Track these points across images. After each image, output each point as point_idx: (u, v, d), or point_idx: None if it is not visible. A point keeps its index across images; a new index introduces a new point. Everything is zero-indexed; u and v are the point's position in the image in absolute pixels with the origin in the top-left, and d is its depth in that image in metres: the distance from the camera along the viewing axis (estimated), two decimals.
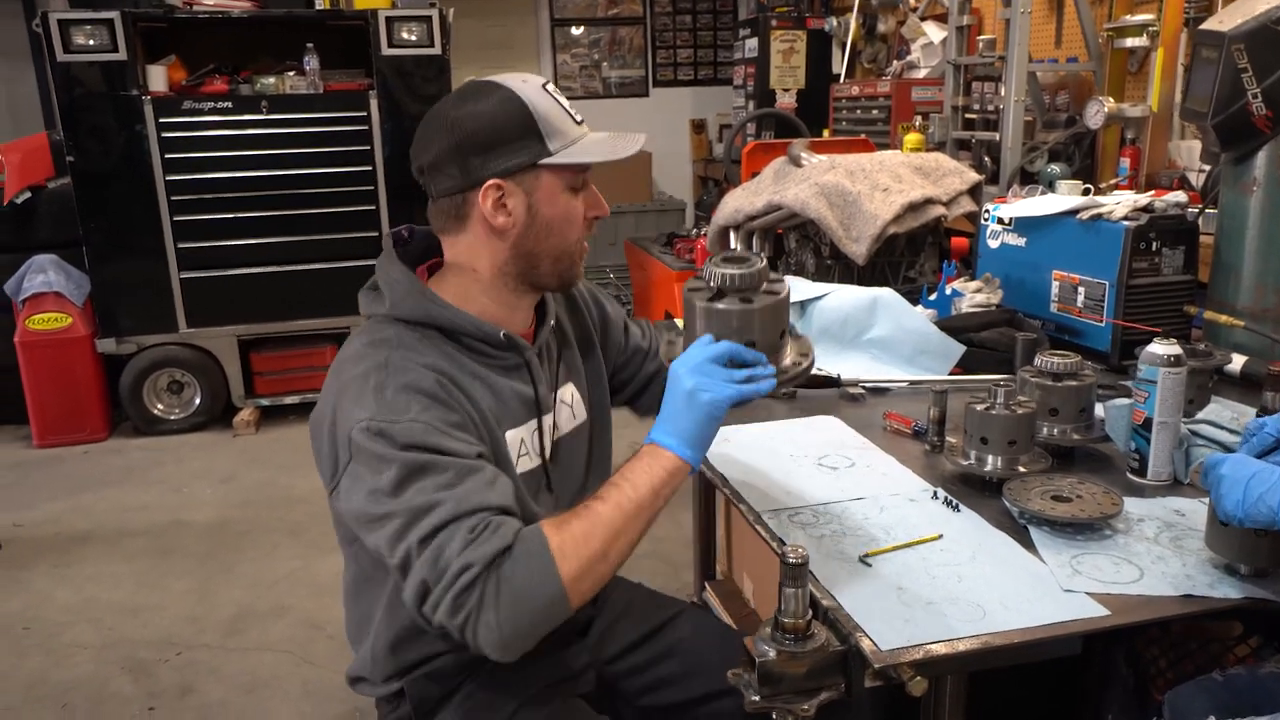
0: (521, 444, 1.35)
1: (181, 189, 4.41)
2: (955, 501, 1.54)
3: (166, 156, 4.36)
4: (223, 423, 4.69)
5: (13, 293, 4.35)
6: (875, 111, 4.85)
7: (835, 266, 3.06)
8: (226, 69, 4.59)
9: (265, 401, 4.78)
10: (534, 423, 1.37)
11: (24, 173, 4.44)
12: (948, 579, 1.31)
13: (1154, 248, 2.19)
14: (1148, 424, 1.59)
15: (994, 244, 2.62)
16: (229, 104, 4.41)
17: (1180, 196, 2.29)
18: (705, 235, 4.02)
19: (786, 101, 5.90)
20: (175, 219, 4.42)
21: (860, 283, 3.06)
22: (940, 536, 1.43)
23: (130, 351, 4.52)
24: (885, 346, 2.33)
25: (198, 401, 4.68)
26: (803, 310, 2.47)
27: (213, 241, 4.50)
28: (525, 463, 1.36)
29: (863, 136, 4.32)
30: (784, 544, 1.29)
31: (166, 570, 3.30)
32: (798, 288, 2.55)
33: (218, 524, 3.65)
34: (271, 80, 4.52)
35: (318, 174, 4.58)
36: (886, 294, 2.36)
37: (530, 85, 1.27)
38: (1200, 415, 1.70)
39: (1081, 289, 2.28)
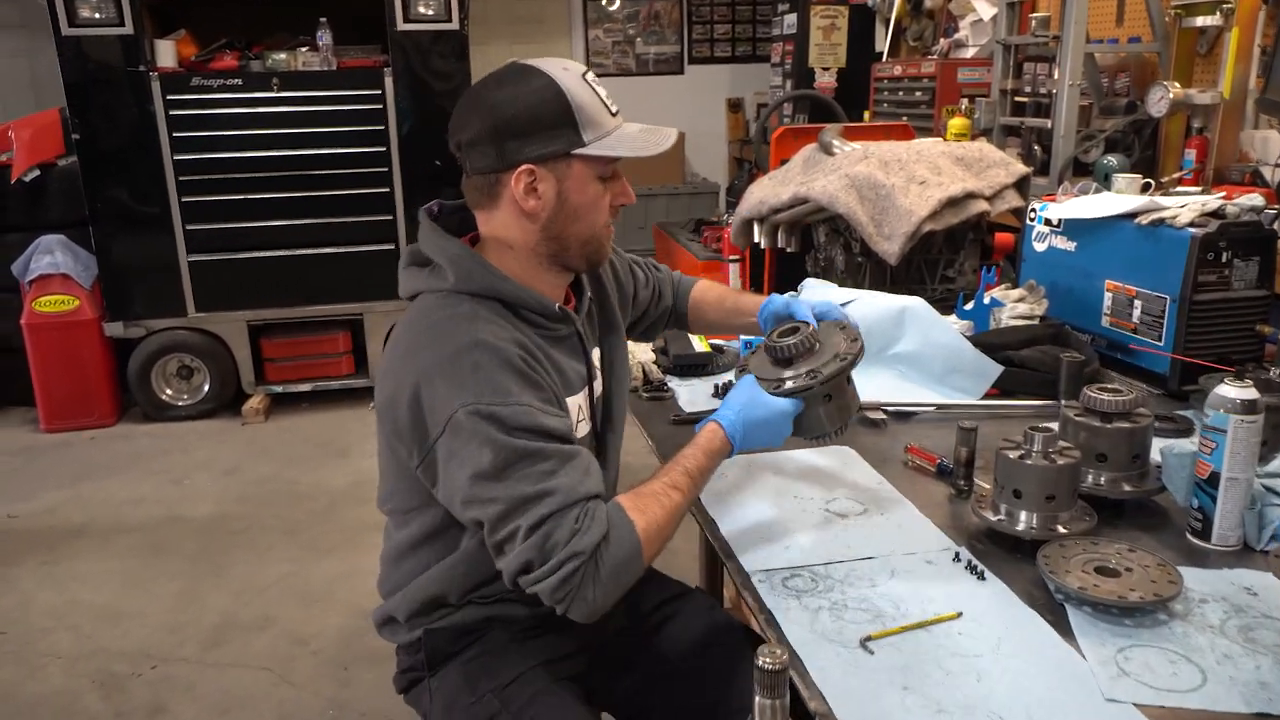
0: (579, 410, 1.41)
1: (190, 169, 4.27)
2: (980, 567, 1.32)
3: (175, 135, 4.21)
4: (232, 410, 4.57)
5: (19, 273, 4.25)
6: (919, 93, 4.56)
7: (866, 264, 2.82)
8: (237, 44, 4.44)
9: (276, 389, 4.65)
10: (586, 390, 1.43)
11: (33, 150, 4.33)
12: (965, 676, 1.09)
13: (1224, 258, 1.93)
14: (1214, 479, 1.35)
15: (1040, 247, 2.36)
16: (239, 81, 4.25)
17: (1256, 199, 2.01)
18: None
19: (826, 81, 5.61)
20: (184, 199, 4.28)
21: (893, 283, 2.84)
22: (959, 615, 1.21)
23: (139, 335, 4.41)
24: (913, 363, 2.10)
25: (207, 388, 4.56)
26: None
27: (222, 224, 4.36)
28: (581, 428, 1.41)
29: (903, 122, 4.04)
30: (762, 640, 1.08)
31: (155, 571, 3.17)
32: (819, 292, 2.32)
33: (214, 520, 3.52)
34: (283, 56, 4.35)
35: (330, 154, 4.41)
36: (916, 304, 2.12)
37: (570, 74, 1.30)
38: (1276, 465, 1.44)
39: (1138, 303, 2.02)
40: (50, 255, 4.20)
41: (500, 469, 1.20)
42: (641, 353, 2.24)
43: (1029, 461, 1.34)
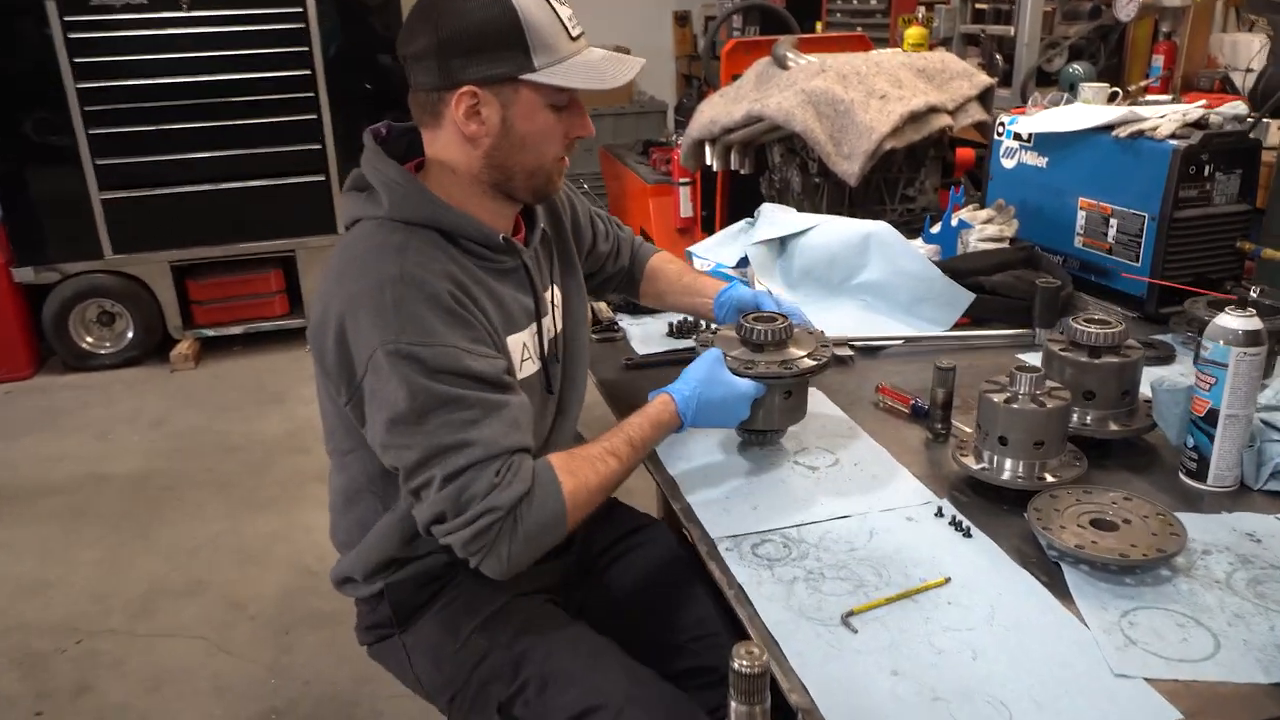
0: (524, 349, 1.32)
1: (96, 98, 3.94)
2: (966, 524, 1.20)
3: (76, 61, 3.86)
4: (159, 356, 4.31)
5: None
6: (873, 2, 4.35)
7: (824, 185, 2.68)
8: None
9: (206, 332, 4.40)
10: (533, 326, 1.34)
11: None
12: (959, 655, 0.98)
13: (1206, 172, 1.81)
14: (1211, 416, 1.24)
15: (1009, 164, 2.23)
16: (144, 0, 3.90)
17: (1239, 107, 1.89)
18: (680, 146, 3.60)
19: None
20: (91, 132, 3.96)
21: (851, 204, 2.70)
22: (948, 581, 1.10)
23: (52, 281, 4.12)
24: (879, 292, 1.97)
25: (130, 334, 4.29)
26: (783, 247, 2.09)
27: (135, 157, 4.04)
28: (528, 367, 1.33)
29: (858, 32, 3.84)
30: (737, 638, 0.95)
31: (78, 536, 2.97)
32: (778, 218, 2.17)
33: (141, 477, 3.32)
34: None
35: (249, 79, 4.10)
36: (881, 230, 1.98)
37: None
38: (1272, 396, 1.34)
39: (1114, 221, 1.90)
40: None
41: (418, 414, 1.13)
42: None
43: (1015, 405, 1.22)
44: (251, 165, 4.20)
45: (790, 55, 2.86)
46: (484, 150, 1.23)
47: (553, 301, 1.43)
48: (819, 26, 4.83)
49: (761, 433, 1.40)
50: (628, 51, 1.33)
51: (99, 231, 4.08)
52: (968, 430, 1.42)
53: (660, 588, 1.47)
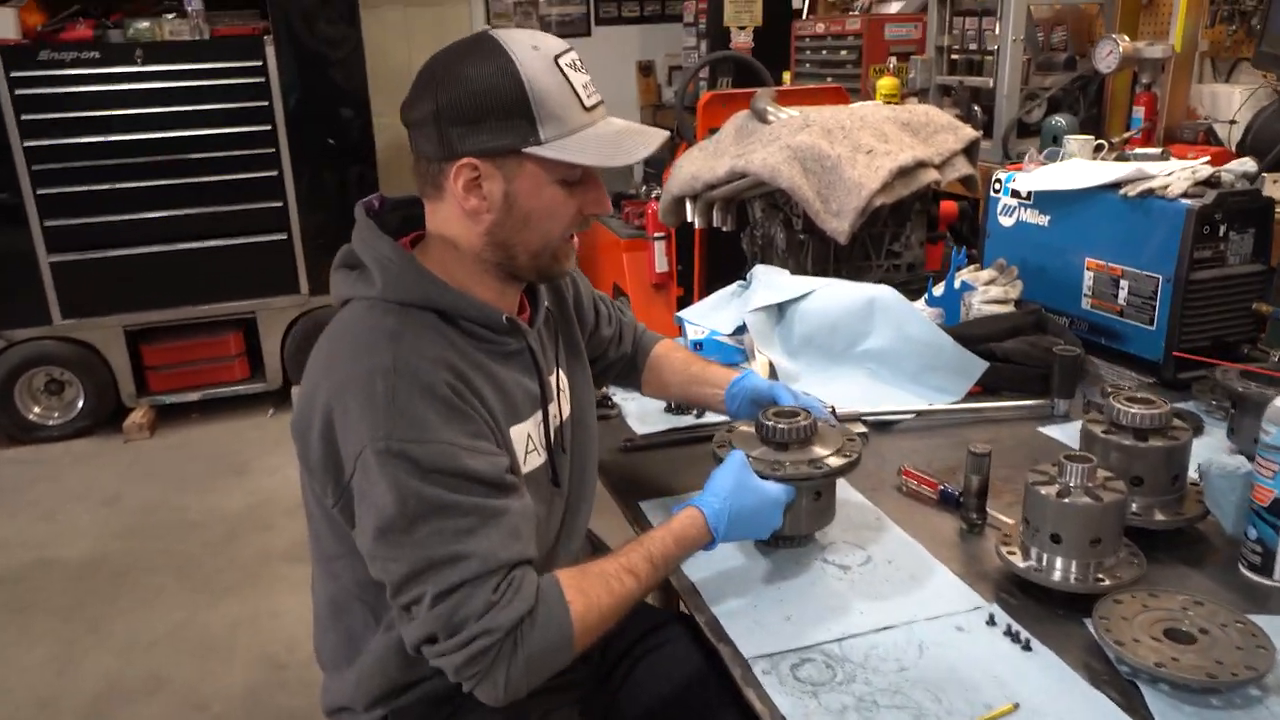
0: (528, 440, 1.21)
1: (45, 156, 3.76)
2: (1024, 634, 1.09)
3: (24, 118, 3.69)
4: (112, 426, 4.09)
5: None
6: (844, 52, 4.33)
7: (809, 241, 2.59)
8: (93, 11, 3.92)
9: (164, 399, 4.20)
10: (539, 414, 1.23)
11: None
12: None
13: (1220, 232, 1.75)
14: (1276, 507, 1.15)
15: (1007, 221, 2.16)
16: (96, 54, 3.74)
17: (1248, 164, 1.84)
18: (657, 199, 3.52)
19: (742, 41, 5.35)
20: (39, 192, 3.77)
21: (837, 260, 2.62)
22: (1016, 707, 0.98)
23: None
24: (885, 360, 1.87)
25: (81, 403, 4.07)
26: (781, 314, 2.00)
27: (87, 218, 3.85)
28: (532, 460, 1.22)
29: (829, 83, 3.82)
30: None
31: (22, 632, 2.74)
32: (774, 282, 2.08)
33: (92, 563, 3.10)
34: (146, 24, 3.85)
35: (207, 135, 3.94)
36: (885, 294, 1.90)
37: (539, 55, 1.09)
38: None
39: (1125, 283, 1.84)
40: None
41: (408, 522, 1.02)
42: None
43: (1068, 500, 1.12)
44: (209, 224, 4.03)
45: (770, 109, 2.79)
46: (486, 226, 1.14)
47: (558, 386, 1.31)
48: (786, 77, 4.81)
49: (789, 539, 1.29)
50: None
51: (47, 295, 3.88)
52: (1005, 520, 1.32)
53: (687, 707, 1.34)
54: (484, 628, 1.01)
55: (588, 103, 1.11)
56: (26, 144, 3.72)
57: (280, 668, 2.49)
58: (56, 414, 4.09)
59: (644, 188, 4.59)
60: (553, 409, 1.26)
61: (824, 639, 1.11)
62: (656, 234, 3.90)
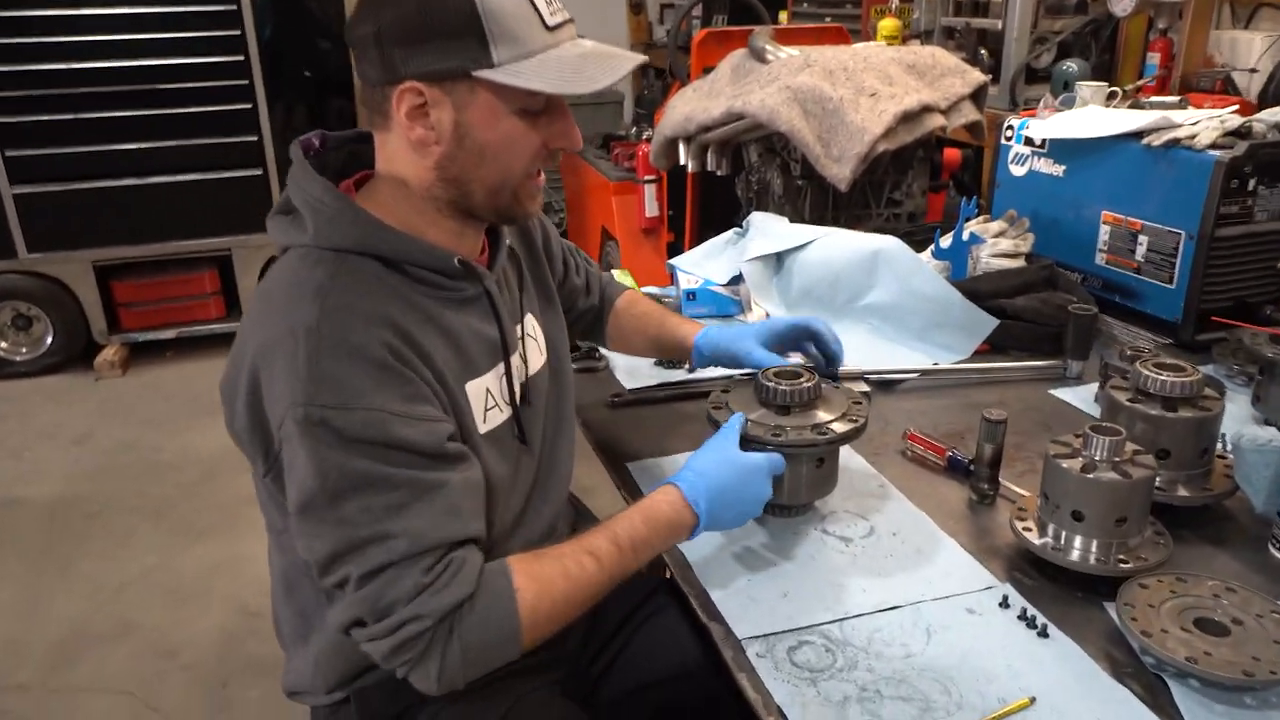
0: (487, 395, 1.09)
1: (5, 83, 3.58)
2: (1039, 619, 1.01)
3: None
4: (84, 363, 3.97)
5: None
6: None
7: (807, 187, 2.48)
8: None
9: (137, 337, 4.07)
10: (500, 367, 1.11)
11: None
12: None
13: (1250, 187, 1.64)
14: None
15: (1018, 170, 2.05)
16: None
17: None
18: (648, 141, 3.39)
19: None
20: (0, 120, 3.60)
21: (835, 208, 2.52)
22: (1033, 701, 0.90)
23: None
24: (888, 316, 1.78)
25: (50, 340, 3.94)
26: (779, 264, 1.89)
27: (52, 149, 3.68)
28: (494, 416, 1.10)
29: (833, 24, 3.66)
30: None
31: None
32: (771, 230, 1.97)
33: (62, 503, 3.00)
34: None
35: (178, 65, 3.75)
36: (891, 246, 1.79)
37: None
38: None
39: (1144, 238, 1.74)
40: None
41: (330, 497, 0.92)
42: None
43: (1093, 476, 1.03)
44: (181, 158, 3.86)
45: (769, 48, 2.65)
46: (435, 160, 1.01)
47: (526, 334, 1.20)
48: (783, 16, 4.63)
49: (786, 508, 1.20)
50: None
51: (11, 229, 3.73)
52: (1019, 491, 1.24)
53: (676, 693, 1.26)
54: (413, 613, 0.92)
55: (550, 20, 0.98)
56: None
57: (253, 615, 2.42)
58: (25, 350, 3.96)
59: (634, 129, 4.44)
60: (515, 360, 1.15)
61: (824, 619, 1.02)
62: (647, 177, 3.77)
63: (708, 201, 3.41)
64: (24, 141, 3.66)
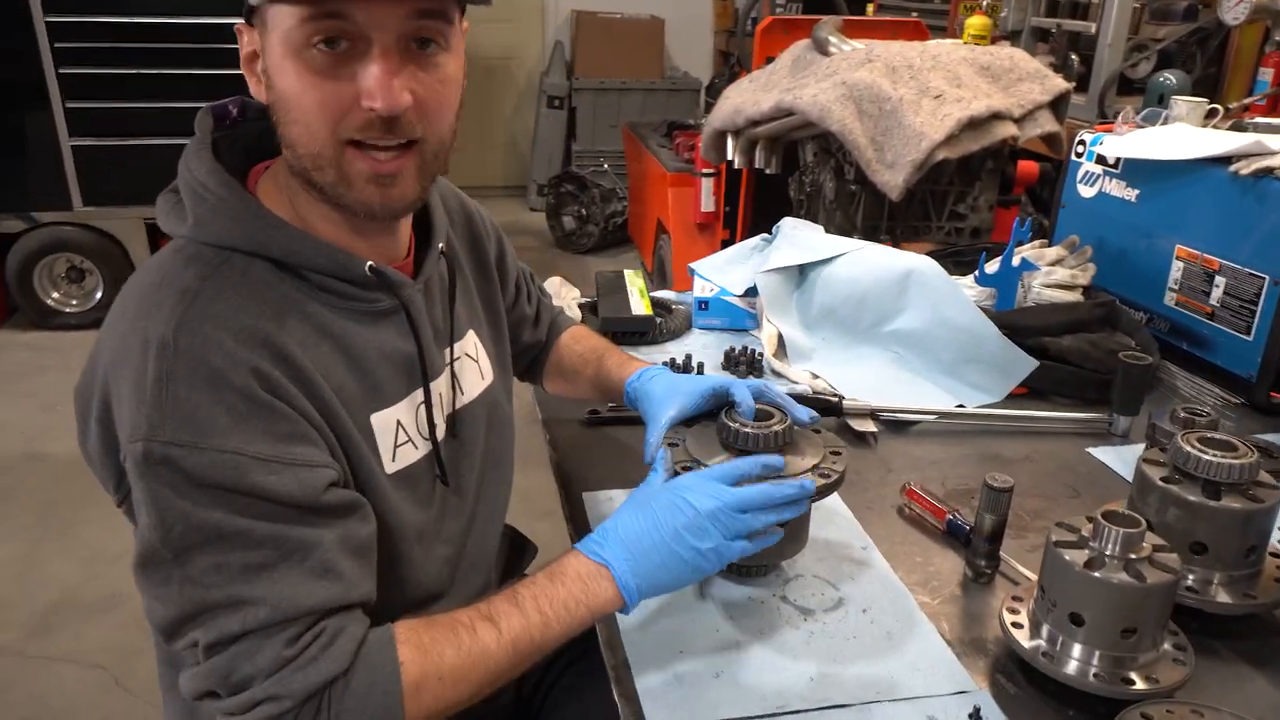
0: (398, 430, 0.93)
1: (68, 34, 3.59)
2: None
3: None
4: None
5: None
6: None
7: (861, 194, 2.30)
8: None
9: None
10: (418, 394, 0.96)
11: None
12: None
13: None
14: None
15: (1087, 192, 1.83)
16: None
17: None
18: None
19: None
20: (61, 71, 3.62)
21: (891, 217, 2.33)
22: None
23: (16, 230, 3.80)
24: (915, 344, 1.59)
25: (100, 294, 3.98)
26: (802, 277, 1.71)
27: (112, 102, 3.70)
28: (406, 454, 0.94)
29: (914, 18, 3.42)
30: None
31: None
32: (800, 239, 1.79)
33: (77, 463, 2.92)
34: None
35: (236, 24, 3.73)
36: (924, 266, 1.60)
37: None
38: None
39: (1221, 280, 1.51)
40: None
41: (176, 551, 0.76)
42: (567, 305, 1.71)
43: (1098, 574, 0.85)
44: None
45: (833, 39, 2.47)
46: (273, 121, 0.84)
47: (465, 355, 1.05)
48: (869, 9, 4.40)
49: (744, 569, 1.04)
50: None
51: (68, 180, 3.76)
52: (1023, 572, 1.05)
53: None
54: (271, 692, 0.77)
55: None
56: (49, 19, 3.55)
57: None
58: (75, 301, 4.01)
59: (702, 119, 4.26)
60: (442, 386, 1.00)
61: (754, 712, 0.86)
62: (705, 170, 3.60)
63: (764, 199, 3.23)
64: (83, 93, 3.68)
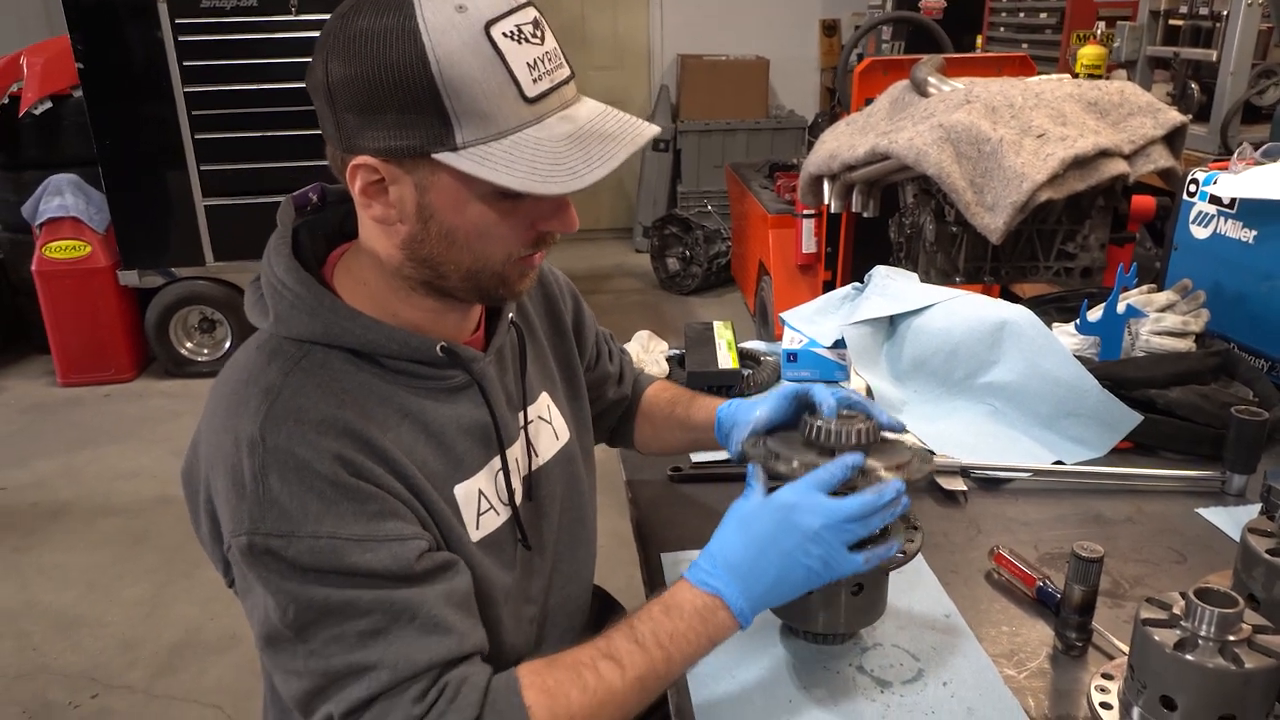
0: (480, 498, 0.96)
1: (203, 102, 3.86)
2: None
3: (185, 64, 3.79)
4: None
5: (29, 216, 3.94)
6: (1044, 15, 3.82)
7: (963, 236, 2.25)
8: None
9: None
10: (496, 462, 0.98)
11: (45, 79, 3.98)
12: None
13: None
14: None
15: (1201, 233, 1.74)
16: (254, 2, 3.79)
17: None
18: None
19: (933, 1, 4.84)
20: (197, 137, 3.89)
21: (995, 259, 2.26)
22: None
23: (155, 285, 4.08)
24: (1011, 398, 1.53)
25: (228, 343, 4.22)
26: (892, 328, 1.68)
27: (240, 164, 3.94)
28: (489, 520, 0.97)
29: (1022, 52, 3.34)
30: None
31: (128, 567, 2.80)
32: (892, 289, 1.76)
33: None
34: None
35: None
36: (1020, 317, 1.55)
37: (465, 18, 0.78)
38: None
39: None
40: (60, 197, 3.88)
41: (296, 629, 0.82)
42: (649, 361, 1.72)
43: (1191, 657, 0.80)
44: None
45: (932, 80, 2.43)
46: (400, 239, 0.87)
47: (539, 418, 1.07)
48: (979, 42, 4.31)
49: (820, 635, 1.01)
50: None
51: (201, 237, 4.02)
52: (1119, 646, 0.99)
53: None
54: None
55: (531, 90, 0.80)
56: (187, 90, 3.81)
57: None
58: (206, 351, 4.25)
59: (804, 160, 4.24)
60: (517, 451, 1.02)
61: None
62: (805, 211, 3.57)
63: (865, 240, 3.19)
64: (216, 157, 3.93)
